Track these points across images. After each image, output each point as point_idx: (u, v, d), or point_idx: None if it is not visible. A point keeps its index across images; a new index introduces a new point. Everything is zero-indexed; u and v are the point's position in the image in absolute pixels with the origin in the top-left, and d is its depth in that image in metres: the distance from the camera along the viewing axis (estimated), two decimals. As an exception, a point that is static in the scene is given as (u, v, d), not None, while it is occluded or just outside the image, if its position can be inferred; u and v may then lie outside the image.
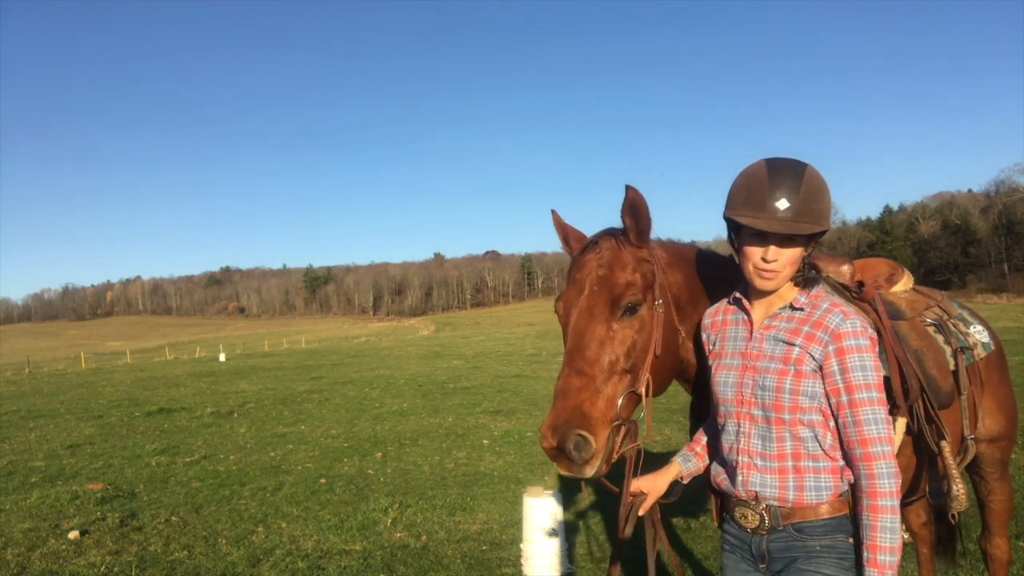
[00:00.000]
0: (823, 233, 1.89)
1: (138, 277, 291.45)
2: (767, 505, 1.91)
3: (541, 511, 3.63)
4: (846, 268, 3.15)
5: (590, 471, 1.89)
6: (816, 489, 1.86)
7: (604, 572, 4.68)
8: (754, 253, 1.89)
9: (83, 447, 10.44)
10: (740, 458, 1.94)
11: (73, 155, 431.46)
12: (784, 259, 1.87)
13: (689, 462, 2.23)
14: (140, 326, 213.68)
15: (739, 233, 1.94)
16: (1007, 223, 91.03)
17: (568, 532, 5.25)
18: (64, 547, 5.56)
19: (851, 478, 1.85)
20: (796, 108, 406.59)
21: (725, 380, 2.00)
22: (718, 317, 2.10)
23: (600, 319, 1.98)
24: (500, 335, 53.57)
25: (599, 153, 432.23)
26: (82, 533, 5.88)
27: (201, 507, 6.70)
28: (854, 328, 1.84)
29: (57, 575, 5.02)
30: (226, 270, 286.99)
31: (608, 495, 6.41)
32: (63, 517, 6.45)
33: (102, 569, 5.06)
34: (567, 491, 6.73)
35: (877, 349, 1.85)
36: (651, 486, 2.15)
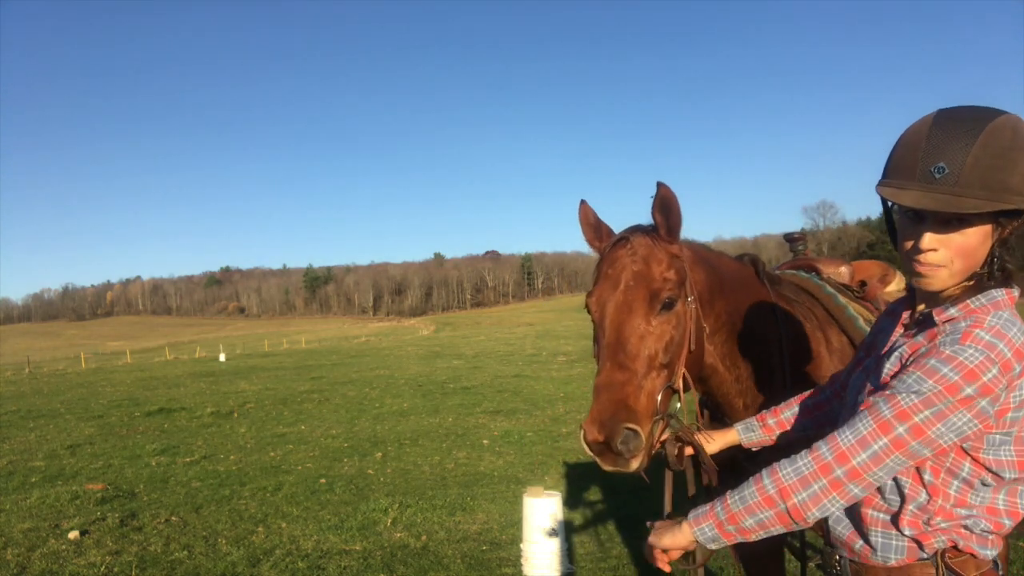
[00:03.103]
0: (1023, 214, 1.37)
1: (138, 277, 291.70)
2: (840, 557, 1.65)
3: (541, 511, 3.63)
4: (844, 269, 3.17)
5: (635, 464, 1.88)
6: (884, 549, 1.54)
7: (604, 572, 4.68)
8: (907, 239, 1.44)
9: (83, 447, 10.43)
10: None
11: (73, 155, 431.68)
12: (950, 249, 1.39)
13: (752, 431, 2.02)
14: (140, 326, 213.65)
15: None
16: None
17: (568, 532, 5.25)
18: (64, 547, 5.56)
19: (938, 545, 1.49)
20: (794, 108, 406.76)
21: (855, 383, 1.69)
22: (889, 307, 1.77)
23: (639, 314, 1.98)
24: (500, 335, 53.54)
25: (599, 154, 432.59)
26: (82, 533, 5.88)
27: (201, 507, 6.70)
28: (962, 352, 1.35)
29: (57, 575, 5.02)
30: (226, 270, 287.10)
31: (609, 496, 6.41)
32: (63, 517, 6.45)
33: (102, 569, 5.06)
34: (568, 491, 6.74)
35: (991, 395, 1.34)
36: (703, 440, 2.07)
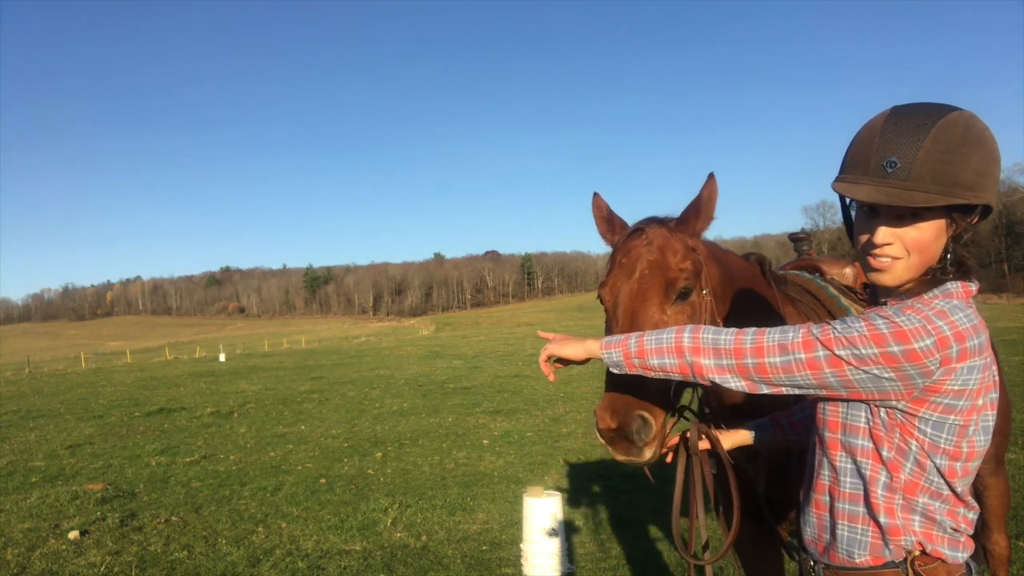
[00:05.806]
0: (976, 210, 1.39)
1: (138, 277, 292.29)
2: (813, 563, 1.65)
3: (541, 511, 3.62)
4: (849, 270, 3.16)
5: (648, 453, 1.84)
6: (849, 543, 1.51)
7: (604, 572, 4.67)
8: (863, 234, 1.46)
9: (83, 447, 10.43)
10: (811, 479, 1.68)
11: (73, 155, 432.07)
12: (904, 243, 1.41)
13: (764, 431, 1.98)
14: (140, 326, 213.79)
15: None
16: (1007, 223, 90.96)
17: (568, 532, 5.24)
18: (64, 547, 5.56)
19: (907, 544, 1.46)
20: (795, 107, 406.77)
21: None
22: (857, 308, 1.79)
23: (654, 302, 1.95)
24: (500, 335, 53.55)
25: (599, 153, 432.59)
26: (82, 533, 5.87)
27: (201, 507, 6.70)
28: (899, 315, 1.36)
29: (57, 575, 5.02)
30: (226, 270, 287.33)
31: (609, 496, 6.40)
32: (63, 517, 6.44)
33: (102, 569, 5.06)
34: (568, 491, 6.73)
35: (930, 359, 1.34)
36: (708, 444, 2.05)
